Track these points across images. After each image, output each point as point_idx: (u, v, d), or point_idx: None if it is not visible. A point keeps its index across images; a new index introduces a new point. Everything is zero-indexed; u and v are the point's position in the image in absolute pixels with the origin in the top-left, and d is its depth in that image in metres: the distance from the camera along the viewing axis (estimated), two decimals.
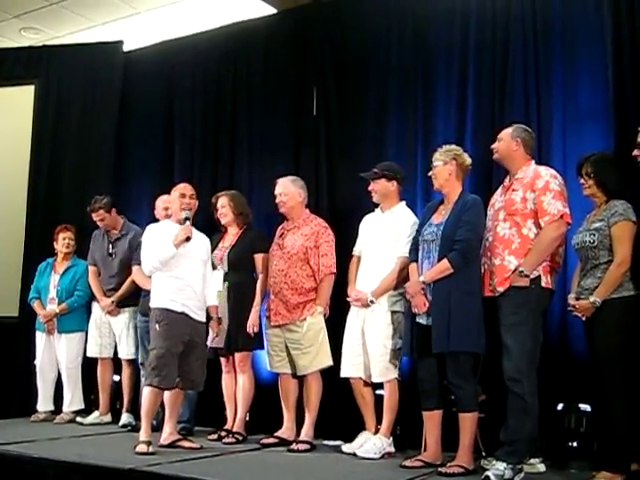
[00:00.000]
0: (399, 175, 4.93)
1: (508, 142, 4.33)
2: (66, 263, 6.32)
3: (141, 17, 6.95)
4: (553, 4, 5.12)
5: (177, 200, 4.93)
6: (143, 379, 5.01)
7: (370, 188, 4.93)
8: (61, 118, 7.20)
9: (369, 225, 5.02)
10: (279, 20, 6.47)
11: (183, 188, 5.00)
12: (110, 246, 6.05)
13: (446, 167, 4.41)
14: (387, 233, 4.82)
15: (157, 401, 4.76)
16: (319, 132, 6.00)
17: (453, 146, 4.53)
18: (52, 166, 7.11)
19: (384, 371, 4.68)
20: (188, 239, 4.75)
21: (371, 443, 4.64)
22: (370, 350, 4.73)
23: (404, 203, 4.95)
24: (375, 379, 4.75)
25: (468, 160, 4.48)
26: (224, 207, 5.40)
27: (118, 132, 7.11)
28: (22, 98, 7.27)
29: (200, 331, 4.87)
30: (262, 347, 5.26)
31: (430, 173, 4.50)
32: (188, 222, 4.83)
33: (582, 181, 4.18)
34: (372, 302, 4.73)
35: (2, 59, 7.38)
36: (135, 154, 7.10)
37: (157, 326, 4.72)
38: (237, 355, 5.22)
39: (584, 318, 4.03)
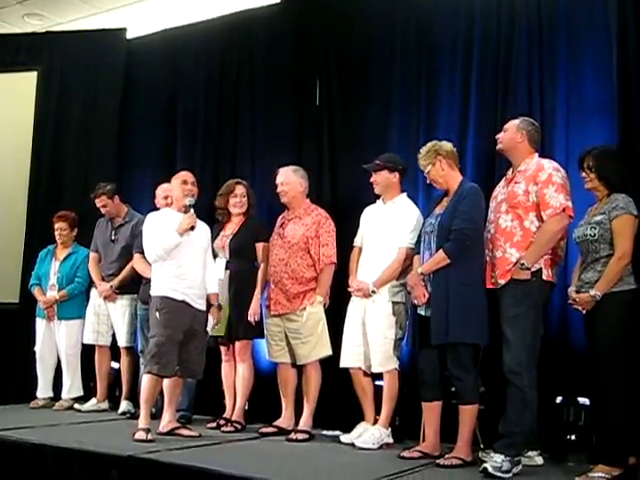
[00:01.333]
0: (401, 166, 4.92)
1: (513, 133, 4.31)
2: (67, 250, 6.34)
3: (145, 4, 6.93)
4: None
5: (179, 187, 4.92)
6: (143, 367, 5.02)
7: (372, 180, 4.93)
8: (64, 105, 7.20)
9: (370, 216, 5.01)
10: (282, 10, 6.43)
11: (185, 175, 4.99)
12: (113, 232, 6.07)
13: (436, 167, 4.40)
14: (389, 224, 4.81)
15: (156, 389, 4.77)
16: (322, 123, 5.99)
17: (429, 144, 4.50)
18: (54, 153, 7.12)
19: (384, 361, 4.69)
20: (192, 228, 4.75)
21: (369, 433, 4.65)
22: (370, 340, 4.74)
23: (405, 194, 4.95)
24: (375, 369, 4.75)
25: (449, 145, 4.46)
26: (244, 196, 5.39)
27: (121, 119, 7.11)
28: (24, 84, 7.27)
29: (200, 319, 4.87)
30: (262, 336, 5.26)
31: (428, 181, 4.50)
32: (192, 210, 4.82)
33: (584, 175, 4.17)
34: (374, 292, 4.73)
35: (5, 45, 7.37)
36: (137, 142, 7.09)
37: (157, 314, 4.71)
38: (237, 344, 5.23)
39: (584, 311, 4.03)
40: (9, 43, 7.38)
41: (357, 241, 5.05)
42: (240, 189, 5.40)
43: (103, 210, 6.08)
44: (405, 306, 4.69)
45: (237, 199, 5.38)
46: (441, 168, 4.39)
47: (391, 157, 4.96)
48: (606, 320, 3.92)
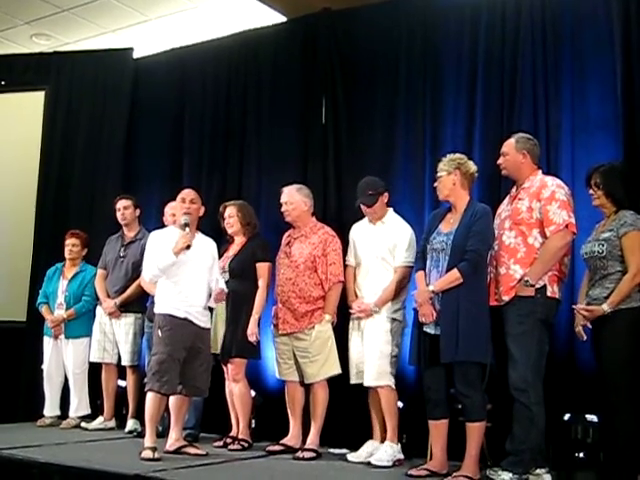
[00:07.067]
0: (381, 189, 4.90)
1: (514, 156, 4.32)
2: (74, 269, 6.33)
3: (151, 24, 6.98)
4: (563, 14, 5.13)
5: (178, 205, 4.95)
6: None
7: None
8: (71, 124, 7.24)
9: (362, 236, 5.00)
10: (288, 28, 6.49)
11: (183, 193, 4.98)
12: (122, 249, 6.06)
13: (450, 177, 4.38)
14: (383, 244, 4.83)
15: (160, 407, 4.75)
16: (327, 141, 6.01)
17: (457, 155, 4.48)
18: (61, 172, 7.15)
19: (377, 375, 4.68)
20: (188, 247, 4.72)
21: (383, 451, 4.62)
22: (366, 353, 4.75)
23: (392, 210, 4.95)
24: (367, 382, 4.73)
25: (473, 168, 4.44)
26: (232, 217, 5.38)
27: (127, 138, 7.15)
28: (32, 104, 7.31)
29: (204, 337, 4.87)
30: (259, 357, 5.25)
31: (435, 184, 4.49)
32: (188, 229, 4.80)
33: (591, 192, 4.19)
34: (376, 312, 4.75)
35: (13, 65, 7.44)
36: (144, 161, 7.12)
37: (159, 332, 4.71)
38: (230, 363, 5.16)
39: (588, 324, 4.02)
40: (17, 63, 7.44)
41: (350, 260, 5.04)
42: (228, 210, 5.41)
43: (119, 213, 6.08)
44: (402, 325, 4.69)
45: (225, 221, 5.41)
46: (452, 182, 4.37)
47: (372, 183, 4.92)
48: (614, 336, 3.92)
